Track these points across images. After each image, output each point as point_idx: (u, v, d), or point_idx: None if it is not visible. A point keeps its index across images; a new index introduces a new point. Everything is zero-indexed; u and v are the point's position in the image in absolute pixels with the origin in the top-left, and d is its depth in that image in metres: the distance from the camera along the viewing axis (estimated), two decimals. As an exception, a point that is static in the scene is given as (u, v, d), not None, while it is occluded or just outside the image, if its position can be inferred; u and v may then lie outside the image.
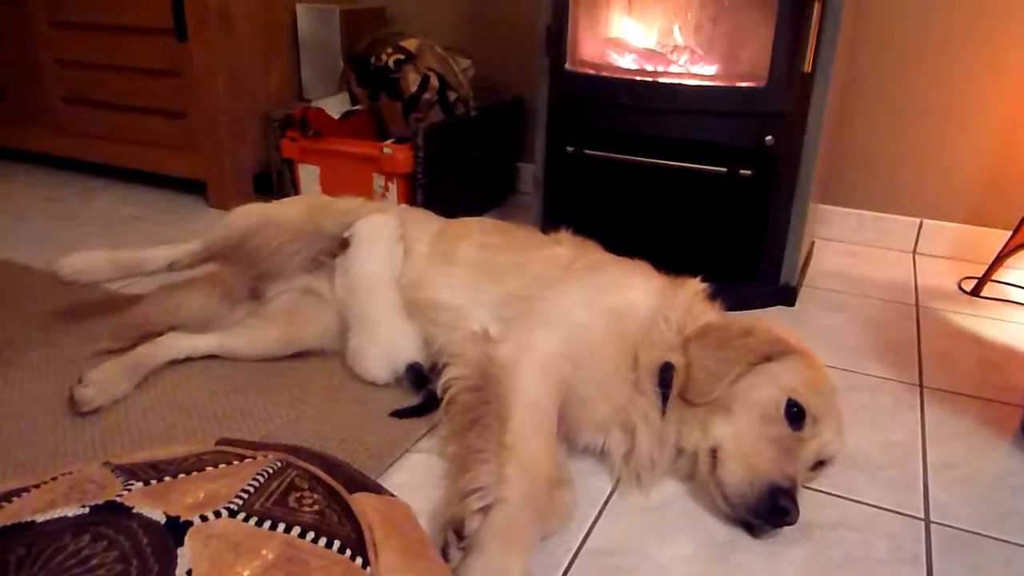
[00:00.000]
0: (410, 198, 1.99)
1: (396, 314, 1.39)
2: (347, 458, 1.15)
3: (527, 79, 2.45)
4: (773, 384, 1.11)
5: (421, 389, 1.32)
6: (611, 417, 1.18)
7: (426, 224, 1.55)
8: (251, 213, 1.47)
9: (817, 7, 1.47)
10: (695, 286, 1.29)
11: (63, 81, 2.55)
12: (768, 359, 1.14)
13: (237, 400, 1.31)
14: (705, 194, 1.72)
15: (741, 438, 1.09)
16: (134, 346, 1.39)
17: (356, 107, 2.20)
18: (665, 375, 1.17)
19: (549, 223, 1.91)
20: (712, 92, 1.63)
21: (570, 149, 1.80)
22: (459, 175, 2.13)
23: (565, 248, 1.40)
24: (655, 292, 1.26)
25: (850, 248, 2.25)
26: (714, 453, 1.11)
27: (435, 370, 1.35)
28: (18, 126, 2.73)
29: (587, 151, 1.78)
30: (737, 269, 1.78)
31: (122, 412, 1.27)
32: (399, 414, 1.28)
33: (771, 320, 1.24)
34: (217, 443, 0.82)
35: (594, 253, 1.40)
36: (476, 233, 1.47)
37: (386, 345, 1.36)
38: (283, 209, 1.48)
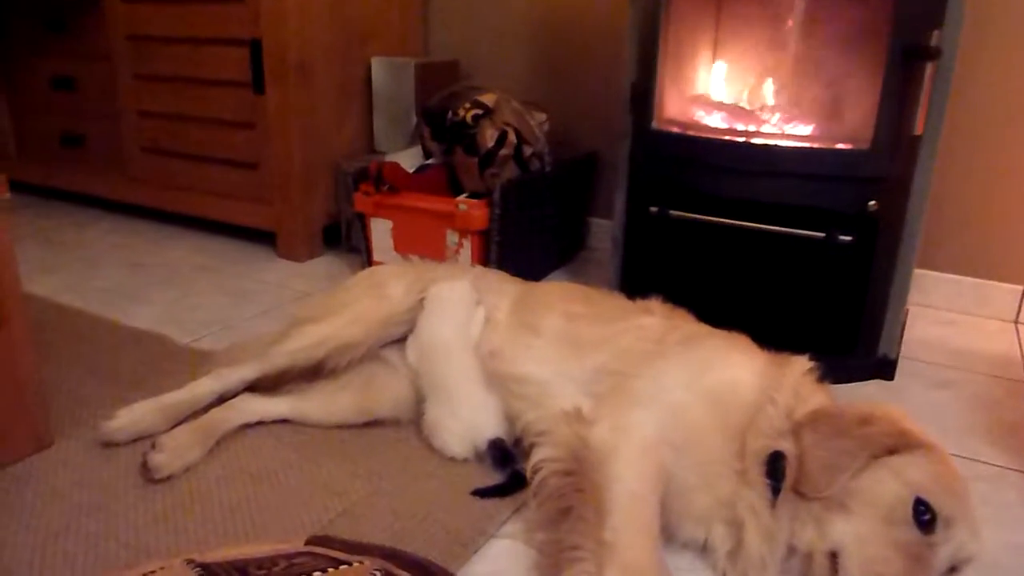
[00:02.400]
0: (484, 256, 1.93)
1: (476, 385, 1.32)
2: (427, 541, 1.08)
3: (602, 132, 2.41)
4: (898, 480, 1.00)
5: (505, 467, 1.24)
6: (714, 510, 1.08)
7: (504, 289, 1.49)
8: (313, 338, 1.39)
9: (930, 68, 1.38)
10: (802, 365, 1.19)
11: (142, 131, 2.59)
12: (891, 452, 1.03)
13: (311, 470, 1.25)
14: (800, 260, 1.62)
15: (866, 543, 0.98)
16: (206, 409, 1.35)
17: (429, 161, 2.17)
18: (775, 465, 1.07)
19: (627, 285, 1.84)
20: (810, 154, 1.55)
21: (653, 209, 1.73)
22: (534, 231, 2.07)
23: (656, 318, 1.31)
24: (759, 371, 1.16)
25: (947, 316, 2.11)
26: (833, 557, 1.00)
27: (518, 446, 1.28)
28: (97, 174, 2.78)
29: (672, 212, 1.71)
30: (832, 340, 1.67)
31: (194, 481, 1.22)
32: (481, 493, 1.20)
33: (890, 406, 1.13)
34: (307, 542, 0.76)
35: (689, 324, 1.31)
36: (560, 301, 1.40)
37: (466, 419, 1.29)
38: (349, 331, 1.40)
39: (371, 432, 1.38)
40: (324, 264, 2.35)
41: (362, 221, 2.11)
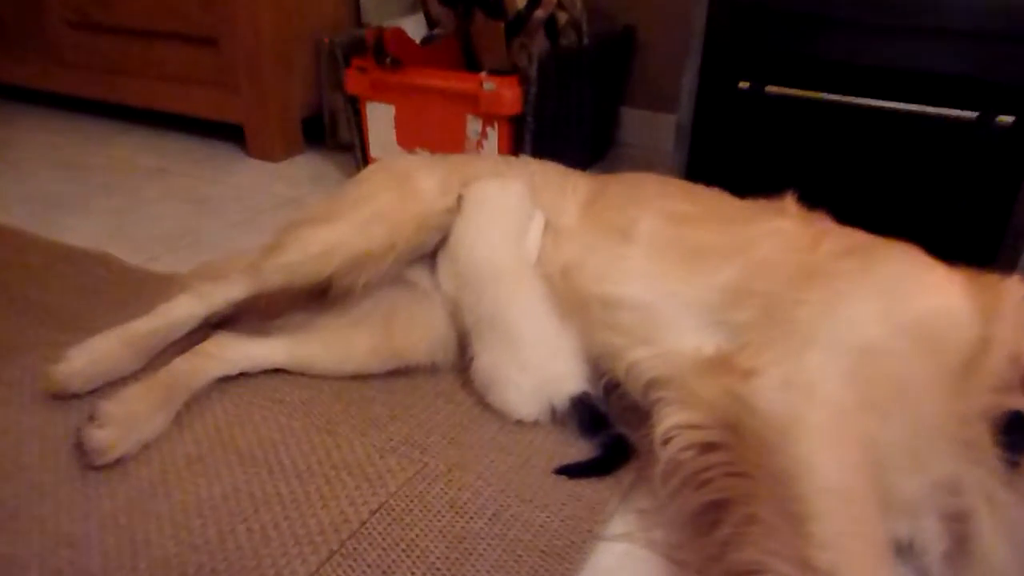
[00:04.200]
0: (514, 149, 1.53)
1: (545, 318, 0.96)
2: (504, 551, 0.73)
3: (638, 2, 1.98)
4: None
5: (597, 432, 0.89)
6: (926, 497, 0.75)
7: (568, 185, 1.10)
8: (317, 246, 1.00)
9: None
10: (1017, 289, 0.83)
11: (67, 1, 2.08)
12: None
13: (326, 443, 0.88)
14: (938, 148, 1.25)
15: None
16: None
17: (435, 32, 1.73)
18: (1017, 431, 0.73)
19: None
20: (976, 4, 1.16)
21: (743, 85, 1.34)
22: (571, 121, 1.67)
23: (794, 221, 0.94)
24: (969, 298, 0.81)
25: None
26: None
27: (612, 397, 0.93)
28: (16, 59, 2.28)
29: (769, 88, 1.32)
30: (966, 249, 1.32)
31: (157, 464, 0.85)
32: (571, 471, 0.86)
33: None
34: None
35: (841, 230, 0.95)
36: (655, 198, 1.02)
37: (537, 368, 0.92)
38: (366, 235, 1.01)
39: (400, 384, 1.01)
40: (305, 164, 1.93)
41: (355, 108, 1.68)
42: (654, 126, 2.07)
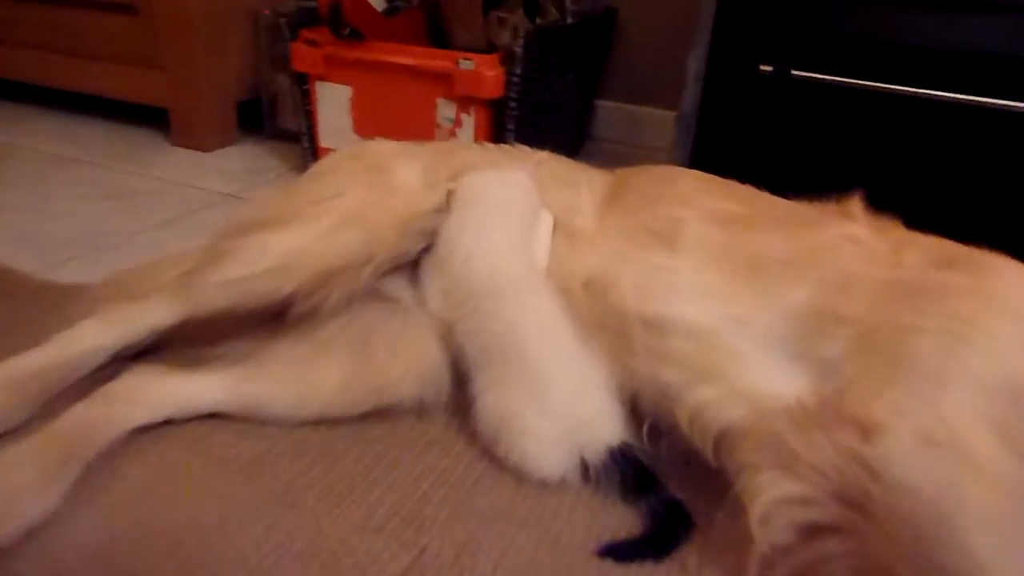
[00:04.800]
0: (491, 138, 1.32)
1: (569, 345, 0.75)
2: None
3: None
4: None
5: (644, 496, 0.69)
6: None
7: (581, 180, 0.91)
8: (273, 257, 0.76)
9: None
10: None
11: (-46, -42, 1.77)
12: None
13: (285, 521, 0.65)
14: (987, 144, 1.10)
15: None
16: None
17: (396, 2, 1.50)
18: None
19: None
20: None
21: (766, 69, 1.16)
22: (552, 108, 1.47)
23: (865, 228, 0.76)
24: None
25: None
26: None
27: (657, 445, 0.73)
28: None
29: (796, 73, 1.14)
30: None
31: (48, 562, 0.60)
32: (616, 553, 0.65)
33: None
34: None
35: (918, 236, 0.77)
36: (697, 195, 0.83)
37: (564, 411, 0.72)
38: (335, 240, 0.78)
39: (379, 431, 0.78)
40: (241, 155, 1.67)
41: (303, 89, 1.44)
42: (633, 120, 1.89)
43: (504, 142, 1.31)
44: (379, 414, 0.79)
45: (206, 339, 0.83)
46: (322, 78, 1.40)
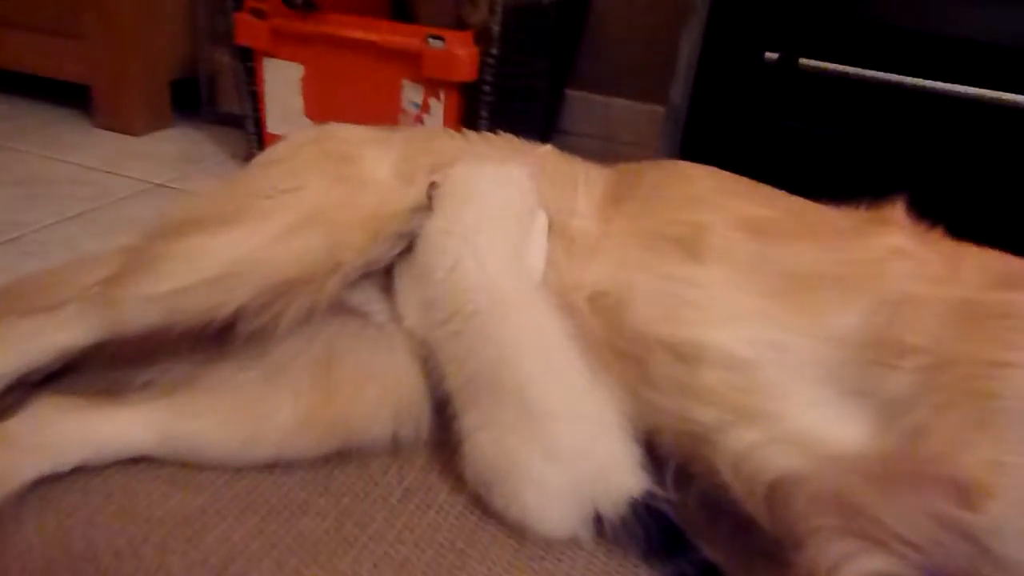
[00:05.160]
0: (463, 126, 1.19)
1: (578, 375, 0.63)
2: None
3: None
4: None
5: (672, 558, 0.57)
6: None
7: (580, 176, 0.79)
8: (214, 265, 0.62)
9: None
10: None
11: None
12: None
13: (228, 603, 0.52)
14: (999, 149, 1.03)
15: None
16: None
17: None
18: None
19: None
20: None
21: (771, 56, 1.06)
22: (527, 95, 1.35)
23: (909, 237, 0.67)
24: None
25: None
26: None
27: (687, 491, 0.61)
28: None
29: (805, 62, 1.05)
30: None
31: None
32: (643, 635, 0.53)
33: None
34: None
35: (978, 252, 0.68)
36: (718, 195, 0.72)
37: (574, 454, 0.60)
38: (292, 244, 0.64)
39: (346, 476, 0.65)
40: (175, 140, 1.50)
41: (248, 66, 1.28)
42: (603, 112, 1.79)
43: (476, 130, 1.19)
44: (345, 456, 0.65)
45: (131, 361, 0.69)
46: (270, 54, 1.24)
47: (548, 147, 0.79)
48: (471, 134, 0.86)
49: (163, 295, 0.62)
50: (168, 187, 1.26)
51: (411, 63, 1.15)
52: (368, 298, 0.72)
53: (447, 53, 1.11)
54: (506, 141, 0.85)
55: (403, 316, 0.70)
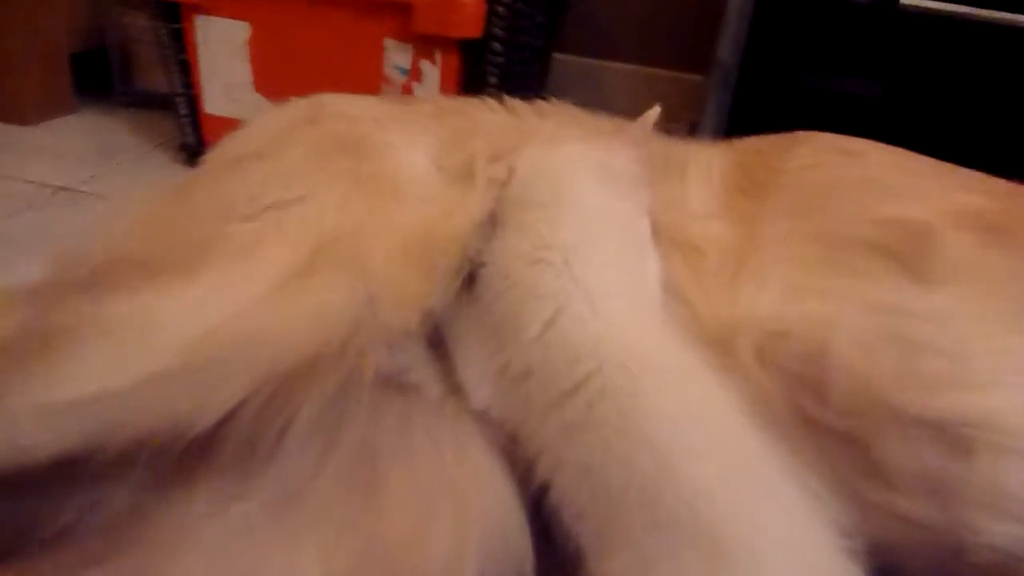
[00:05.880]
0: (466, 91, 0.93)
1: (778, 480, 0.40)
2: None
3: None
4: None
5: None
6: None
7: (687, 161, 0.56)
8: (176, 347, 0.36)
9: None
10: None
11: None
12: None
13: None
14: None
15: None
16: None
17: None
18: None
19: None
20: None
21: (860, -8, 0.85)
22: (530, 57, 1.10)
23: None
24: None
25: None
26: None
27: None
28: None
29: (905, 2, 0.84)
30: None
31: None
32: None
33: None
34: None
35: None
36: (918, 179, 0.51)
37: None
38: (302, 300, 0.39)
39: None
40: (81, 129, 1.20)
41: (173, 28, 0.99)
42: (590, 76, 1.57)
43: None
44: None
45: (37, 492, 0.42)
46: (203, 10, 0.95)
47: (646, 118, 0.54)
48: (514, 103, 0.62)
49: (85, 400, 0.36)
50: (75, 191, 0.97)
51: (397, 16, 0.88)
52: (411, 358, 0.47)
53: (446, 2, 0.85)
54: (566, 112, 0.61)
55: (470, 389, 0.46)
